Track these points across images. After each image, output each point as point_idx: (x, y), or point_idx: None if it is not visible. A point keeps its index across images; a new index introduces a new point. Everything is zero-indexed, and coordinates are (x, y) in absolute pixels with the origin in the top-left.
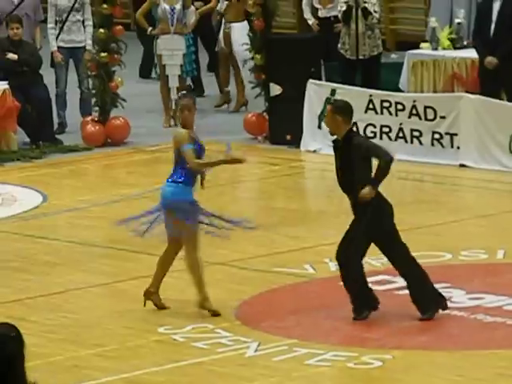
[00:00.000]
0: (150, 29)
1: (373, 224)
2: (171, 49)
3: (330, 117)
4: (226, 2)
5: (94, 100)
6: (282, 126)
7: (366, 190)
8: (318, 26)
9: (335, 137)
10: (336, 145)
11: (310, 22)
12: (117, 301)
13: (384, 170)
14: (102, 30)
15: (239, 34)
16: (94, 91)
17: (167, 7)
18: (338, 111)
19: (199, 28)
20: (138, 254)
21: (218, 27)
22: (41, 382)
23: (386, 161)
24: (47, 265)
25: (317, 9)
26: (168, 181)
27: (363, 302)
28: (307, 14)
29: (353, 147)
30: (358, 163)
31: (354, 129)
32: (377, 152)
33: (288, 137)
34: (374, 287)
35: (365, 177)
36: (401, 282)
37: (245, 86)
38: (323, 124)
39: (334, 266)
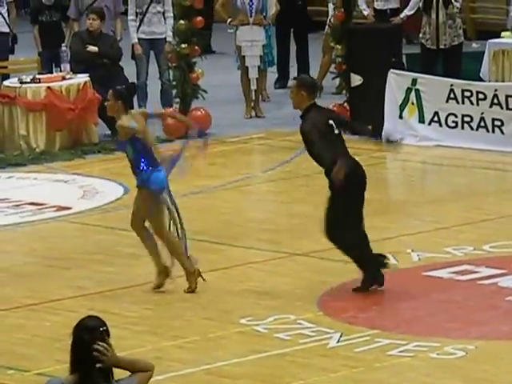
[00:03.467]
0: (229, 20)
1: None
2: (250, 40)
3: (295, 91)
4: None
5: (174, 91)
6: (363, 117)
7: (335, 170)
8: (373, 18)
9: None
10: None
11: (365, 13)
12: (198, 292)
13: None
14: (182, 22)
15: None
16: (174, 83)
17: None
18: (303, 86)
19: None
20: (219, 245)
21: None
22: (123, 374)
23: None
24: (129, 257)
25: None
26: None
27: (371, 270)
28: (362, 5)
29: (301, 128)
30: (311, 136)
31: (436, 118)
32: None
33: (369, 127)
34: (457, 277)
35: (324, 148)
36: (485, 271)
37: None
38: (404, 114)
39: (416, 257)
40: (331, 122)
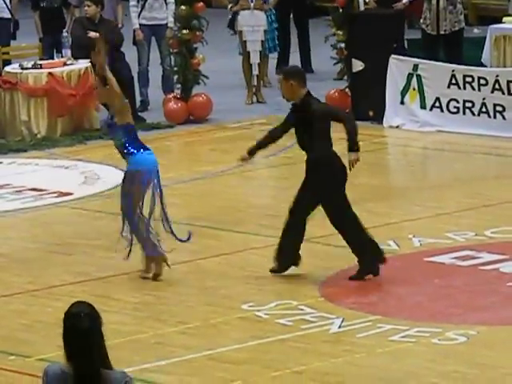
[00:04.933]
0: (230, 5)
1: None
2: (252, 25)
3: (284, 84)
4: None
5: (176, 77)
6: (365, 102)
7: (354, 156)
8: (374, 4)
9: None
10: (294, 108)
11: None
12: (199, 278)
13: (354, 135)
14: (183, 7)
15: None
16: (176, 68)
17: None
18: (290, 76)
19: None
20: (220, 231)
21: None
22: (125, 359)
23: (353, 126)
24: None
25: None
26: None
27: (369, 255)
28: None
29: (312, 112)
30: (316, 125)
31: (437, 104)
32: (339, 116)
33: (370, 112)
34: (458, 262)
35: (323, 136)
36: (486, 257)
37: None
38: (406, 99)
39: (417, 242)
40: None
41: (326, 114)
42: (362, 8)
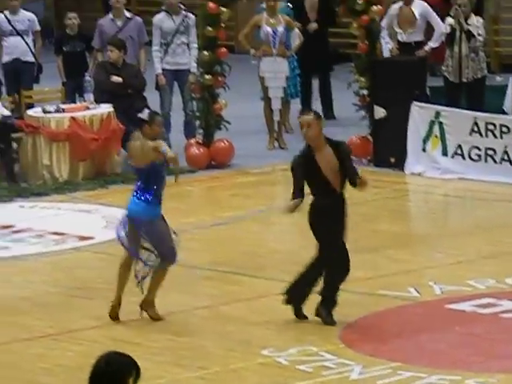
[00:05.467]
0: (252, 51)
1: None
2: (274, 71)
3: (316, 125)
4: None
5: (198, 122)
6: (386, 149)
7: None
8: (397, 51)
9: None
10: (309, 153)
11: (389, 47)
12: (220, 323)
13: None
14: (206, 53)
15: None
16: (198, 113)
17: (269, 29)
18: (320, 118)
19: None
20: (241, 276)
21: None
22: None
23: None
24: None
25: (397, 33)
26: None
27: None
28: (386, 38)
29: (340, 147)
30: (347, 160)
31: (459, 151)
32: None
33: (392, 159)
34: (479, 310)
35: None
36: (507, 305)
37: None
38: (427, 146)
39: (438, 289)
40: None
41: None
42: (385, 55)
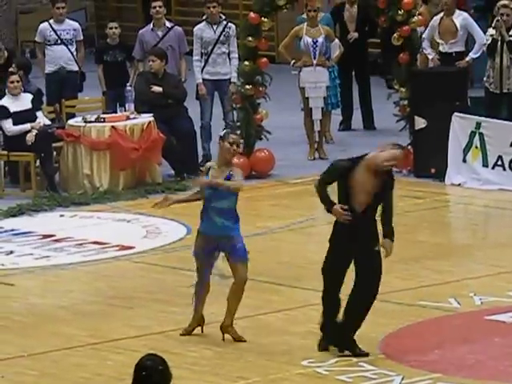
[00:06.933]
0: (292, 61)
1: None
2: (314, 81)
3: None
4: None
5: (238, 132)
6: (427, 160)
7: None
8: (438, 61)
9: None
10: (357, 163)
11: (429, 57)
12: (259, 333)
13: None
14: (247, 63)
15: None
16: (238, 123)
17: (309, 40)
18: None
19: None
20: (281, 286)
21: None
22: None
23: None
24: (191, 297)
25: (438, 43)
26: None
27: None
28: (427, 49)
29: (393, 179)
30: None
31: (500, 162)
32: None
33: (432, 170)
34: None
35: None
36: None
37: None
38: (468, 157)
39: (478, 301)
40: None
41: None
42: (430, 64)
